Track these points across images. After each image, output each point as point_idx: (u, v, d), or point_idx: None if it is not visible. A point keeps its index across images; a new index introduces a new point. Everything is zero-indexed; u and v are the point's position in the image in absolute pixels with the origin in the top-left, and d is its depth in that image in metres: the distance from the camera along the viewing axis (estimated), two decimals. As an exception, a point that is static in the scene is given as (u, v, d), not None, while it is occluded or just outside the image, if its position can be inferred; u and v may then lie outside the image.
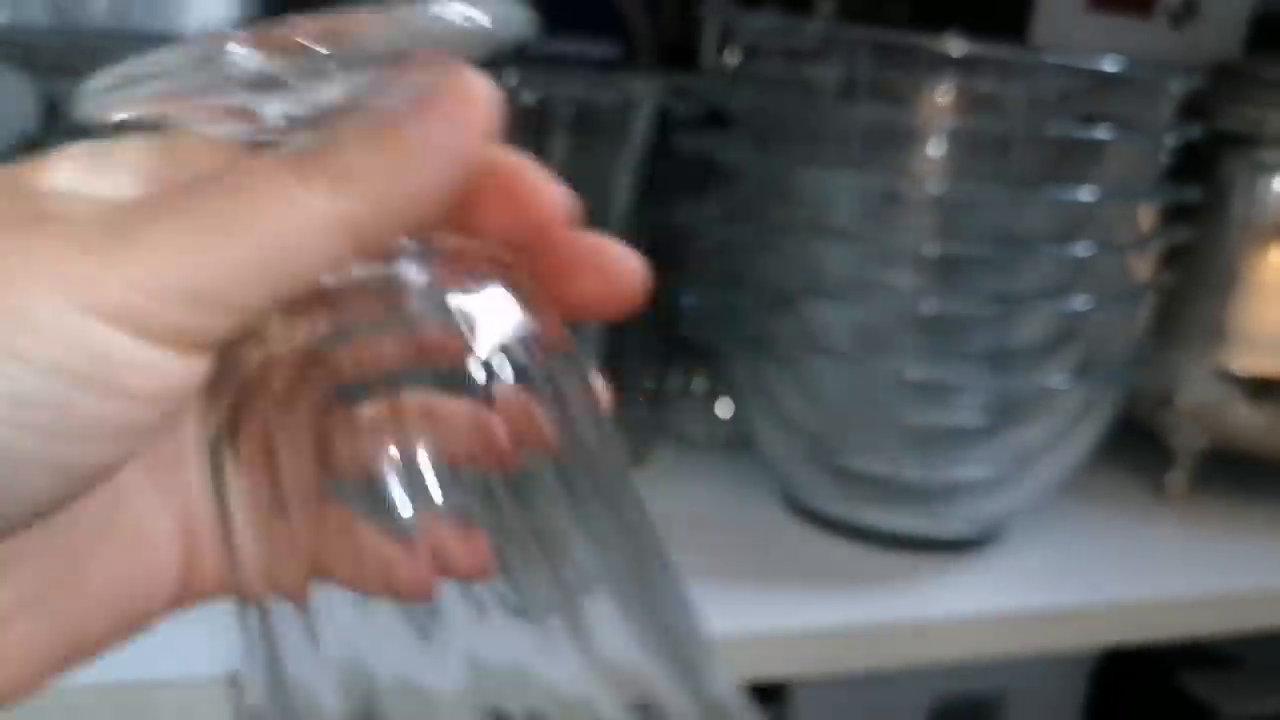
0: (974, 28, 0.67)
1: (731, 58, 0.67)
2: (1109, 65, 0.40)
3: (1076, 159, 0.42)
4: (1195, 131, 0.43)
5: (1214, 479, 0.52)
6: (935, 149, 0.41)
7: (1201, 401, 0.50)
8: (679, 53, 0.68)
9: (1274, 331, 0.49)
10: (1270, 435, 0.49)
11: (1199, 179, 0.52)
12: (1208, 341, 0.50)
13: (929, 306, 0.40)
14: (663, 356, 0.55)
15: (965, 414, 0.43)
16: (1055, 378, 0.43)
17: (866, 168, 0.42)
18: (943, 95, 0.42)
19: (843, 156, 0.42)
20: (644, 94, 0.37)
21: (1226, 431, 0.50)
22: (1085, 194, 0.41)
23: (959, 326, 0.42)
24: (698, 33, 0.70)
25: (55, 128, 0.42)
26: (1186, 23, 0.65)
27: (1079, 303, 0.41)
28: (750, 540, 0.45)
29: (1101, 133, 0.40)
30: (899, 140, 0.42)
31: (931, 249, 0.40)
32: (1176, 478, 0.51)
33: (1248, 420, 0.49)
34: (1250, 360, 0.49)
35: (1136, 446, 0.52)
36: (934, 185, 0.40)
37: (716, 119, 0.47)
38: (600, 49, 0.66)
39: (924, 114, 0.43)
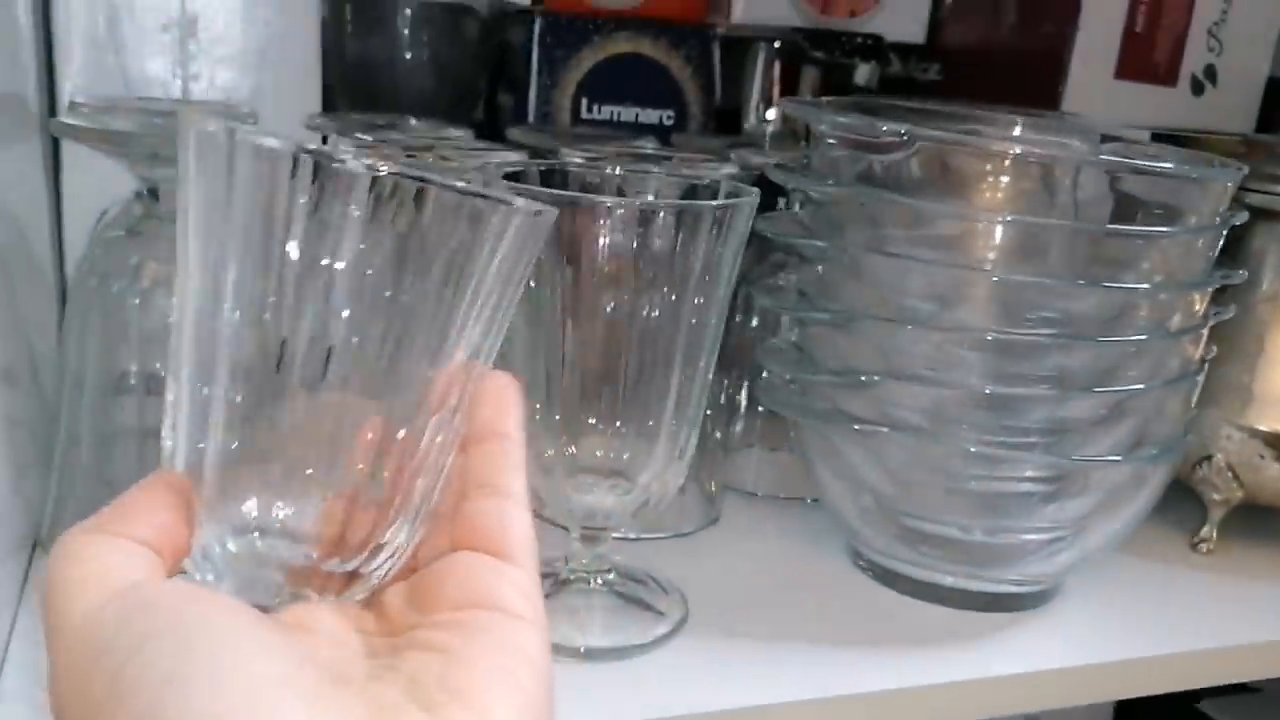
0: (1007, 94, 0.71)
1: (773, 125, 0.71)
2: (1169, 165, 0.43)
3: (1133, 243, 0.45)
4: (1242, 216, 0.46)
5: (1247, 530, 0.56)
6: (997, 238, 0.44)
7: (1235, 459, 0.53)
8: (725, 120, 0.71)
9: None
10: (1299, 491, 0.53)
11: (1230, 250, 0.55)
12: (1239, 403, 0.53)
13: (991, 388, 0.43)
14: (730, 406, 0.58)
15: (1025, 482, 0.46)
16: (1107, 454, 0.46)
17: (934, 250, 0.45)
18: (1003, 189, 0.45)
19: (910, 243, 0.45)
20: (745, 191, 0.40)
21: (1258, 487, 0.53)
22: (1137, 283, 0.44)
23: (1019, 403, 0.45)
24: (744, 101, 0.73)
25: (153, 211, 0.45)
26: (1207, 91, 0.68)
27: (1131, 384, 0.44)
28: (817, 596, 0.48)
29: (1156, 227, 0.43)
30: (963, 228, 0.45)
31: (993, 334, 0.42)
32: (1210, 531, 0.55)
33: (1277, 475, 0.53)
34: (1277, 420, 0.52)
35: (1179, 500, 0.55)
36: (995, 273, 0.43)
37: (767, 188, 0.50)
38: (656, 114, 0.69)
39: (985, 205, 0.46)
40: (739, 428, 0.59)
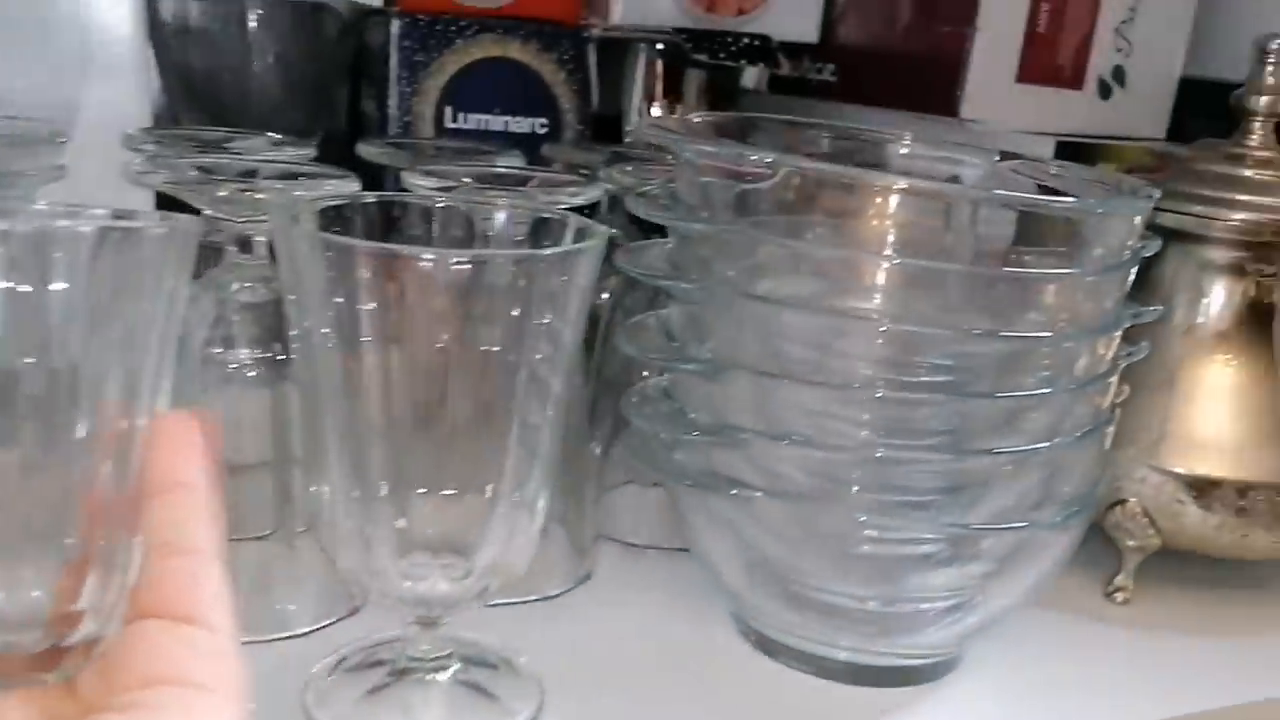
0: (904, 98, 0.66)
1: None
2: (1070, 201, 0.39)
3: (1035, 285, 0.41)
4: (1154, 246, 0.42)
5: (1167, 574, 0.52)
6: (883, 280, 0.39)
7: (1150, 504, 0.49)
8: (605, 127, 0.66)
9: (1219, 434, 0.48)
10: (1220, 533, 0.49)
11: (1141, 275, 0.51)
12: (1154, 443, 0.49)
13: (882, 451, 0.38)
14: (606, 436, 0.52)
15: (921, 545, 0.41)
16: (1012, 510, 0.41)
17: (817, 283, 0.40)
18: (892, 216, 0.40)
19: (791, 277, 0.40)
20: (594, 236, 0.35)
21: (1176, 532, 0.49)
22: (1040, 318, 0.40)
23: (912, 460, 0.40)
24: (625, 106, 0.68)
25: None
26: (1115, 94, 0.64)
27: (1036, 432, 0.40)
28: (697, 671, 0.43)
29: (1054, 270, 0.39)
30: (845, 269, 0.40)
31: (882, 390, 0.38)
32: (1126, 580, 0.51)
33: (1197, 521, 0.49)
34: (1196, 462, 0.48)
35: (1095, 542, 0.51)
36: (884, 322, 0.38)
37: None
38: (528, 123, 0.63)
39: (872, 235, 0.41)
40: (613, 460, 0.53)
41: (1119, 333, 0.40)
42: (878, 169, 0.53)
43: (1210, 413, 0.49)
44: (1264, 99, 0.50)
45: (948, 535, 0.40)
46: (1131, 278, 0.41)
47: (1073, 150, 0.60)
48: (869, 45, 0.69)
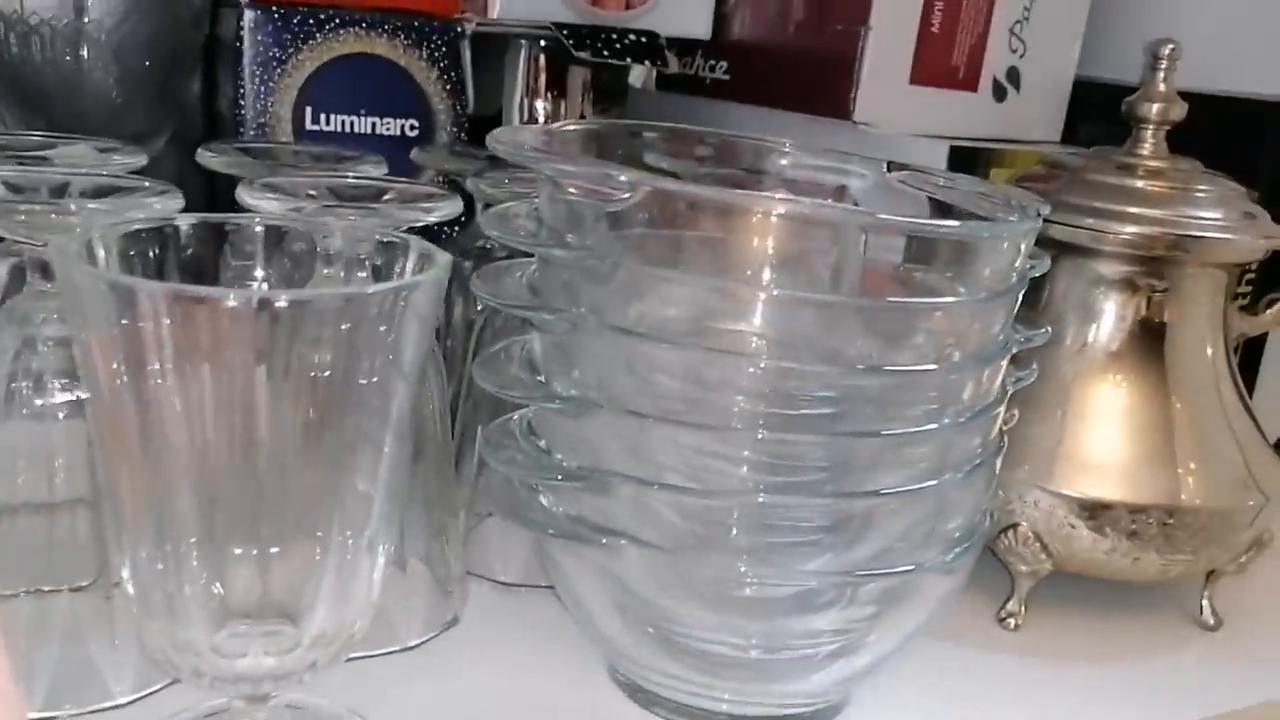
0: (797, 98, 0.64)
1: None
2: (953, 226, 0.36)
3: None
4: (1043, 266, 0.40)
5: (1058, 598, 0.50)
6: (762, 306, 0.36)
7: (1042, 528, 0.47)
8: (484, 127, 0.62)
9: (1110, 455, 0.47)
10: (1112, 556, 0.47)
11: (1030, 291, 0.49)
12: (1045, 466, 0.47)
13: (763, 497, 0.35)
14: (466, 462, 0.49)
15: (805, 585, 0.39)
16: (897, 542, 0.39)
17: (692, 310, 0.37)
18: (770, 243, 0.38)
19: (664, 304, 0.37)
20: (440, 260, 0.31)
21: (1068, 556, 0.48)
22: (927, 341, 0.38)
23: (794, 495, 0.37)
24: (505, 105, 0.64)
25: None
26: (1010, 96, 0.63)
27: (921, 464, 0.38)
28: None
29: (936, 299, 0.36)
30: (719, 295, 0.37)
31: (762, 433, 0.35)
32: (1017, 605, 0.49)
33: (1088, 544, 0.47)
34: (1087, 484, 0.47)
35: (986, 565, 0.49)
36: (763, 358, 0.35)
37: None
38: (397, 124, 0.59)
39: (752, 254, 0.39)
40: (483, 490, 0.50)
41: (1006, 360, 0.38)
42: (764, 176, 0.51)
43: (1102, 434, 0.47)
44: (1156, 106, 0.48)
45: (830, 582, 0.38)
46: (1020, 298, 0.38)
47: (967, 154, 0.58)
48: (762, 43, 0.67)
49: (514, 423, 0.40)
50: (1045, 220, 0.47)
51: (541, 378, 0.38)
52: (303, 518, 0.31)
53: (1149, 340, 0.48)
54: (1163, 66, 0.48)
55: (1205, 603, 0.51)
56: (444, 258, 0.32)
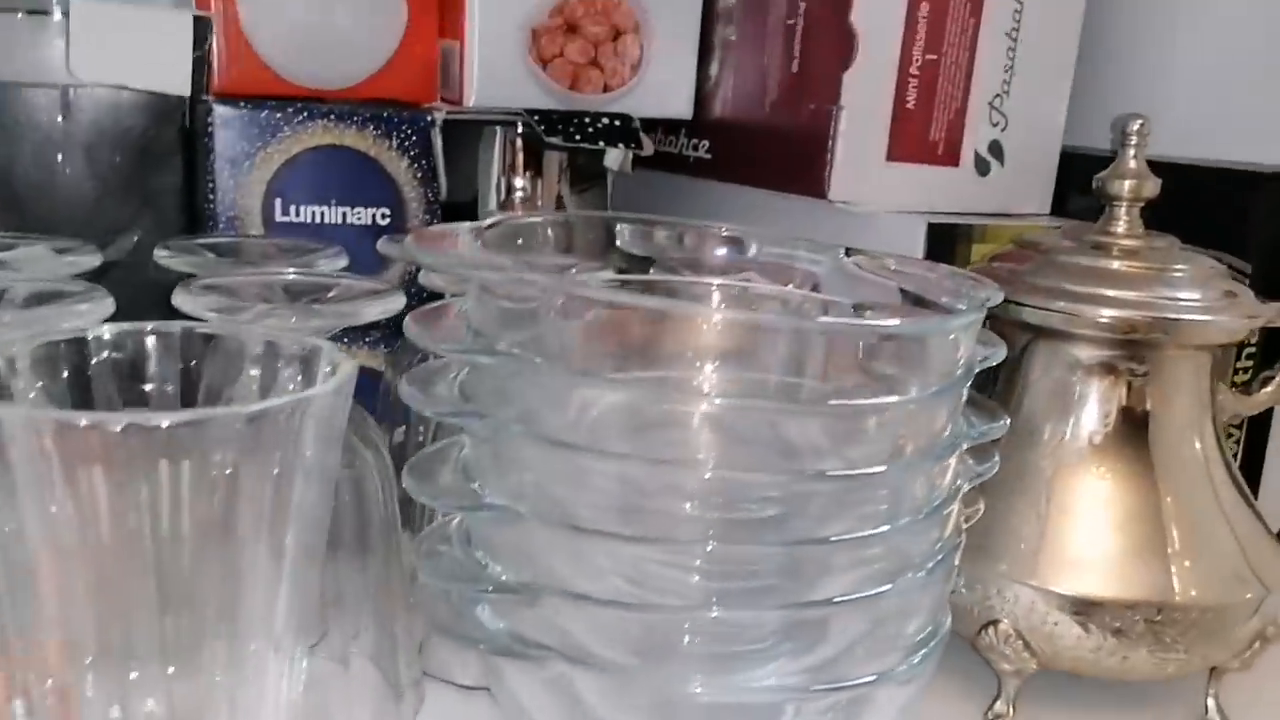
0: (775, 176, 0.63)
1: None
2: (889, 324, 0.35)
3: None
4: (997, 355, 0.38)
5: (1051, 694, 0.48)
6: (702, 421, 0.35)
7: (1024, 625, 0.45)
8: (460, 214, 0.61)
9: (1093, 549, 0.44)
10: (1099, 655, 0.45)
11: (1008, 376, 0.47)
12: (1026, 560, 0.45)
13: (716, 611, 0.34)
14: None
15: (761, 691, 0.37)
16: (852, 645, 0.37)
17: (631, 419, 0.36)
18: (714, 344, 0.36)
19: (601, 409, 0.36)
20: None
21: (1054, 655, 0.45)
22: (878, 433, 0.36)
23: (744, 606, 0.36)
24: (480, 190, 0.63)
25: None
26: (994, 170, 0.61)
27: (873, 566, 0.36)
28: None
29: (880, 399, 0.35)
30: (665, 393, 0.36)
31: (701, 559, 0.33)
32: (1005, 706, 0.46)
33: (1073, 642, 0.44)
34: (1070, 579, 0.44)
35: (969, 662, 0.47)
36: (706, 469, 0.34)
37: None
38: (368, 214, 0.59)
39: (701, 344, 0.37)
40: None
41: (954, 458, 0.36)
42: (736, 262, 0.50)
43: (1084, 526, 0.45)
44: (1128, 183, 0.47)
45: (785, 697, 0.36)
46: (964, 395, 0.37)
47: (946, 231, 0.56)
48: (741, 122, 0.66)
49: (453, 528, 0.38)
50: (1017, 304, 0.46)
51: (476, 485, 0.37)
52: (203, 627, 0.30)
53: (1132, 427, 0.46)
54: (1133, 143, 0.46)
55: (1211, 701, 0.48)
56: (347, 367, 0.31)
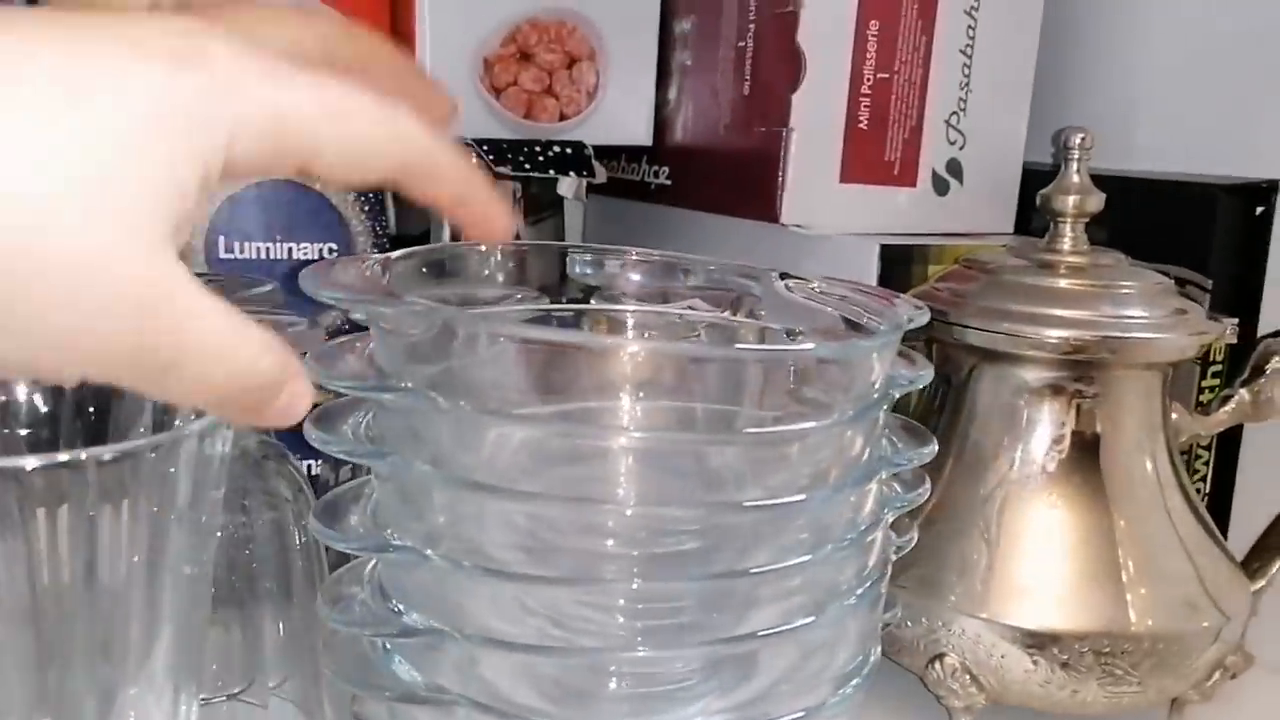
0: (730, 200, 0.62)
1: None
2: (807, 347, 0.34)
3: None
4: (922, 378, 0.37)
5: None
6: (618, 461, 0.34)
7: (970, 659, 0.43)
8: (410, 246, 0.61)
9: (1041, 579, 0.43)
10: (1049, 689, 0.43)
11: (953, 402, 0.46)
12: (973, 592, 0.43)
13: (642, 650, 0.33)
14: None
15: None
16: (782, 679, 0.36)
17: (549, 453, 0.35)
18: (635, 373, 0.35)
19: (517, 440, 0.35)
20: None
21: (1002, 689, 0.44)
22: (794, 482, 0.35)
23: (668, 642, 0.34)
24: (432, 223, 0.63)
25: None
26: (952, 189, 0.60)
27: (799, 602, 0.35)
28: None
29: (800, 424, 0.34)
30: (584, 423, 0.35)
31: (622, 602, 0.32)
32: (955, 745, 0.45)
33: (1021, 676, 0.43)
34: (1017, 611, 0.43)
35: (919, 700, 0.45)
36: (627, 505, 0.33)
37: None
38: (315, 249, 0.58)
39: (625, 373, 0.36)
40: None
41: (874, 484, 0.35)
42: (680, 287, 0.49)
43: (1032, 555, 0.43)
44: (1072, 198, 0.46)
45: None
46: (881, 419, 0.35)
47: (901, 252, 0.55)
48: (697, 148, 0.65)
49: (368, 572, 0.37)
50: (961, 326, 0.45)
51: (390, 528, 0.36)
52: (79, 677, 0.29)
53: (1081, 450, 0.44)
54: (1075, 156, 0.45)
55: (1175, 732, 0.47)
56: (217, 432, 0.30)
